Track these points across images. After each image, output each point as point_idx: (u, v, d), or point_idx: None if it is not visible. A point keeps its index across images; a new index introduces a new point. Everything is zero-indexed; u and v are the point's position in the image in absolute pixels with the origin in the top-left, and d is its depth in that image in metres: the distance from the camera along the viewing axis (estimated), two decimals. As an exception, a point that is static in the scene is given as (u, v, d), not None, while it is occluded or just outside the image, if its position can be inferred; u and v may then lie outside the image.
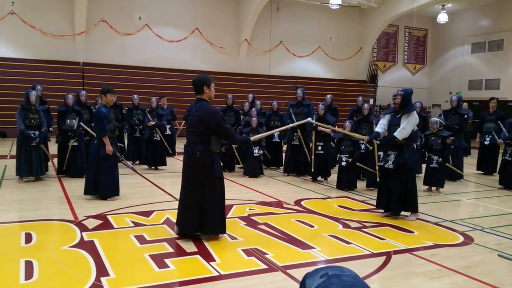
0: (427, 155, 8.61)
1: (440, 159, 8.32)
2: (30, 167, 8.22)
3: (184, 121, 11.25)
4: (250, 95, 11.39)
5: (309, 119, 7.91)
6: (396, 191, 6.19)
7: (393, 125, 6.28)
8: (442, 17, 22.11)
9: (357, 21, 24.76)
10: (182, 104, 17.84)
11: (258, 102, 11.22)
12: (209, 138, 5.02)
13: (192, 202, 5.03)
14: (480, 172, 11.02)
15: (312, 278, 1.36)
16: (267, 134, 7.28)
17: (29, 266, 4.16)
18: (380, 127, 6.46)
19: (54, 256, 4.45)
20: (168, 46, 20.55)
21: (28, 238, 5.01)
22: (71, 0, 18.20)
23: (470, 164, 11.57)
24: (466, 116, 10.06)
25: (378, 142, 6.49)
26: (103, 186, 6.95)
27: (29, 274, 3.98)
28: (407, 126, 6.07)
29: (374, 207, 6.96)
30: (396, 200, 6.22)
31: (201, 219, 5.01)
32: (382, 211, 6.49)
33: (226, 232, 5.20)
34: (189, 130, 5.13)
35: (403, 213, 6.38)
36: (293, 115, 9.82)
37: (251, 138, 5.78)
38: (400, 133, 6.05)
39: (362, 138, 7.17)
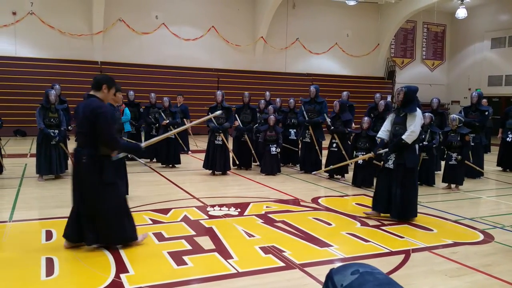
0: (445, 152, 8.50)
1: (459, 156, 8.21)
2: (50, 165, 8.34)
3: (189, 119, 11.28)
4: (267, 93, 11.38)
5: (219, 112, 7.55)
6: (395, 193, 5.93)
7: (397, 123, 6.04)
8: (461, 12, 21.75)
9: (374, 17, 24.56)
10: (199, 102, 17.93)
11: (278, 99, 11.14)
12: (96, 140, 4.39)
13: (86, 211, 4.48)
14: (500, 168, 10.87)
15: (341, 275, 1.33)
16: (161, 138, 5.98)
17: (50, 263, 4.22)
18: (384, 131, 6.22)
19: (74, 253, 4.50)
20: (185, 44, 20.65)
21: (49, 235, 5.08)
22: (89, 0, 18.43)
23: (490, 161, 11.39)
24: (486, 113, 9.89)
25: (383, 151, 6.13)
26: None
27: (50, 271, 4.04)
28: (416, 128, 5.82)
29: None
30: (398, 203, 5.92)
31: (95, 228, 4.48)
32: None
33: (135, 242, 4.70)
34: (77, 131, 4.55)
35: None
36: (305, 113, 9.78)
37: (142, 145, 4.94)
38: (410, 137, 5.81)
39: (369, 157, 6.99)
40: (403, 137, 5.83)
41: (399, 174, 5.94)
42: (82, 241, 4.57)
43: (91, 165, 4.40)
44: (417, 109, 5.96)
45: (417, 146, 6.09)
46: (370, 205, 6.78)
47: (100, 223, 4.48)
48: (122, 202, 4.68)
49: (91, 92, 4.57)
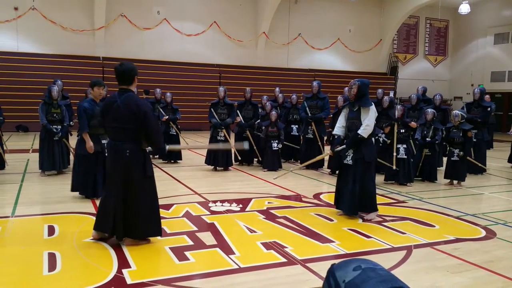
0: (448, 148, 8.49)
1: (461, 152, 8.20)
2: (53, 161, 8.35)
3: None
4: (277, 89, 11.32)
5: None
6: (351, 188, 5.77)
7: (351, 118, 5.92)
8: (464, 8, 21.64)
9: (377, 13, 24.47)
10: (201, 98, 17.91)
11: (280, 95, 11.09)
12: (139, 134, 4.51)
13: (116, 204, 4.50)
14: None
15: (343, 270, 1.32)
16: (184, 147, 5.73)
17: (52, 258, 4.23)
18: (340, 128, 6.08)
19: (76, 248, 4.52)
20: (187, 40, 20.61)
21: (51, 230, 5.10)
22: (90, -5, 18.42)
23: (493, 157, 11.37)
24: (489, 109, 9.86)
25: (340, 148, 5.93)
26: (82, 186, 6.58)
27: (52, 266, 4.06)
28: (370, 122, 5.72)
29: (394, 201, 6.92)
30: (349, 198, 5.78)
31: (127, 222, 4.53)
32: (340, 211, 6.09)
33: (162, 235, 4.79)
34: (113, 125, 4.54)
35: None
36: (307, 108, 9.77)
37: (167, 147, 5.32)
38: (365, 131, 5.70)
39: (327, 155, 6.84)
40: (359, 131, 5.71)
41: (359, 169, 5.80)
42: (114, 234, 4.60)
43: (135, 159, 4.50)
44: (372, 103, 5.89)
45: (373, 139, 6.01)
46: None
47: (139, 216, 4.54)
48: (156, 195, 4.80)
49: (123, 87, 4.55)
